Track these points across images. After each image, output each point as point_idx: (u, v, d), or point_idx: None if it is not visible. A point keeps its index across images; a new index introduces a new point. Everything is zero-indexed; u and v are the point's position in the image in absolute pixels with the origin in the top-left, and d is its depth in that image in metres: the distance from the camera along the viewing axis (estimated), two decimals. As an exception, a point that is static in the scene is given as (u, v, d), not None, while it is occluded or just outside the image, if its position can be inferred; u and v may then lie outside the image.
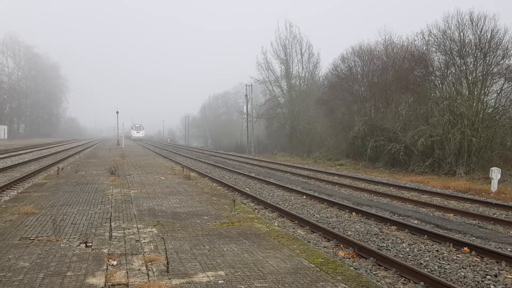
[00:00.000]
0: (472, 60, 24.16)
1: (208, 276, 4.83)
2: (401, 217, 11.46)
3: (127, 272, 4.96)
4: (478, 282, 6.53)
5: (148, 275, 4.85)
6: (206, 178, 18.75)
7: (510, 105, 23.56)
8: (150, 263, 5.30)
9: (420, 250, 8.25)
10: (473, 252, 7.94)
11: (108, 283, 4.57)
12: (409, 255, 7.94)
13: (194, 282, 4.65)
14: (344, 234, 9.21)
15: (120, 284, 4.56)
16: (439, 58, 26.20)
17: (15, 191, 14.13)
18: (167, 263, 5.09)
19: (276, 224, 9.84)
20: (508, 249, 8.47)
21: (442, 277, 6.70)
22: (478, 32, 23.62)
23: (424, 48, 27.03)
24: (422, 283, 6.25)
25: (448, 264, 7.37)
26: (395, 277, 6.66)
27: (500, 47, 23.19)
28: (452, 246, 8.37)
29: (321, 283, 4.70)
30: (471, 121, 23.08)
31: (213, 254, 5.73)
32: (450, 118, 23.38)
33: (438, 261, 7.55)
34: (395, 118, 29.06)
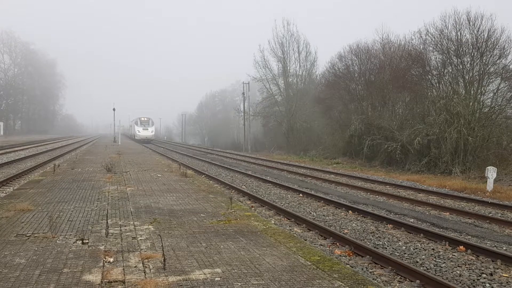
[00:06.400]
0: (469, 59, 24.26)
1: (204, 273, 4.83)
2: (397, 215, 11.50)
3: (123, 269, 4.96)
4: (474, 280, 6.56)
5: (144, 272, 4.84)
6: (203, 176, 18.74)
7: (507, 104, 23.67)
8: (146, 260, 5.29)
9: (416, 248, 8.28)
10: (469, 251, 7.98)
11: (105, 280, 4.56)
12: (405, 253, 7.97)
13: (190, 279, 4.65)
14: (340, 232, 9.23)
15: (116, 281, 4.56)
16: (436, 57, 26.32)
17: (11, 187, 14.06)
18: (164, 260, 5.09)
19: (273, 222, 9.85)
20: (504, 248, 8.51)
21: (438, 275, 6.72)
22: (475, 31, 23.73)
23: (421, 47, 27.14)
24: (418, 281, 6.27)
25: (444, 262, 7.40)
26: (391, 275, 6.69)
27: (497, 46, 23.30)
28: (448, 244, 8.41)
29: (317, 281, 4.71)
30: (468, 120, 23.17)
31: (210, 252, 5.73)
32: (447, 117, 23.46)
33: (434, 259, 7.58)
34: (391, 117, 29.14)
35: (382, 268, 6.98)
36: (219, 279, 4.67)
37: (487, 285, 6.40)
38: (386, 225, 10.16)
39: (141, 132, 61.22)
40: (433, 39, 25.94)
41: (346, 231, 9.61)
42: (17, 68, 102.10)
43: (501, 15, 24.40)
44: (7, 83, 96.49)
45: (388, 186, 17.51)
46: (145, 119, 63.35)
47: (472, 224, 10.66)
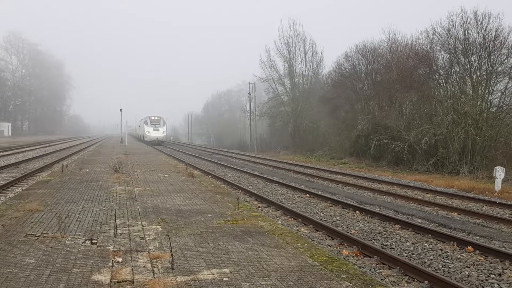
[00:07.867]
0: (476, 59, 24.11)
1: (212, 274, 4.85)
2: (405, 216, 11.45)
3: (132, 269, 4.99)
4: (482, 281, 6.53)
5: (153, 272, 4.87)
6: (210, 176, 18.77)
7: (515, 104, 23.48)
8: (155, 260, 5.32)
9: (424, 249, 8.25)
10: (477, 251, 7.93)
11: (114, 280, 4.59)
12: (413, 253, 7.94)
13: (199, 279, 4.67)
14: (348, 232, 9.21)
15: (125, 281, 4.59)
16: (443, 57, 26.18)
17: (20, 188, 14.19)
18: (172, 260, 5.12)
19: (280, 222, 9.85)
20: (512, 249, 8.46)
21: (446, 276, 6.70)
22: (483, 31, 23.57)
23: (428, 46, 27.00)
24: (426, 281, 6.25)
25: (452, 263, 7.37)
26: (399, 275, 6.67)
27: (504, 46, 23.14)
28: (456, 245, 8.36)
29: (325, 281, 4.71)
30: (475, 120, 23.02)
31: (218, 252, 5.75)
32: (454, 117, 23.32)
33: (442, 260, 7.55)
34: (398, 117, 29.01)
35: (390, 269, 6.96)
36: (227, 279, 4.69)
37: (496, 285, 6.37)
38: (393, 226, 10.12)
39: (151, 133, 54.00)
40: (440, 38, 25.84)
41: (353, 231, 9.59)
42: (25, 69, 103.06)
43: (509, 14, 24.23)
44: (15, 84, 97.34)
45: (395, 187, 17.44)
46: (156, 118, 55.51)
47: (480, 225, 10.59)
